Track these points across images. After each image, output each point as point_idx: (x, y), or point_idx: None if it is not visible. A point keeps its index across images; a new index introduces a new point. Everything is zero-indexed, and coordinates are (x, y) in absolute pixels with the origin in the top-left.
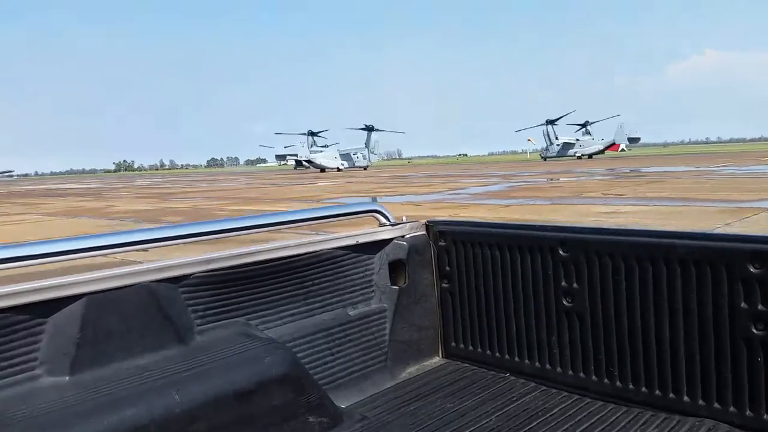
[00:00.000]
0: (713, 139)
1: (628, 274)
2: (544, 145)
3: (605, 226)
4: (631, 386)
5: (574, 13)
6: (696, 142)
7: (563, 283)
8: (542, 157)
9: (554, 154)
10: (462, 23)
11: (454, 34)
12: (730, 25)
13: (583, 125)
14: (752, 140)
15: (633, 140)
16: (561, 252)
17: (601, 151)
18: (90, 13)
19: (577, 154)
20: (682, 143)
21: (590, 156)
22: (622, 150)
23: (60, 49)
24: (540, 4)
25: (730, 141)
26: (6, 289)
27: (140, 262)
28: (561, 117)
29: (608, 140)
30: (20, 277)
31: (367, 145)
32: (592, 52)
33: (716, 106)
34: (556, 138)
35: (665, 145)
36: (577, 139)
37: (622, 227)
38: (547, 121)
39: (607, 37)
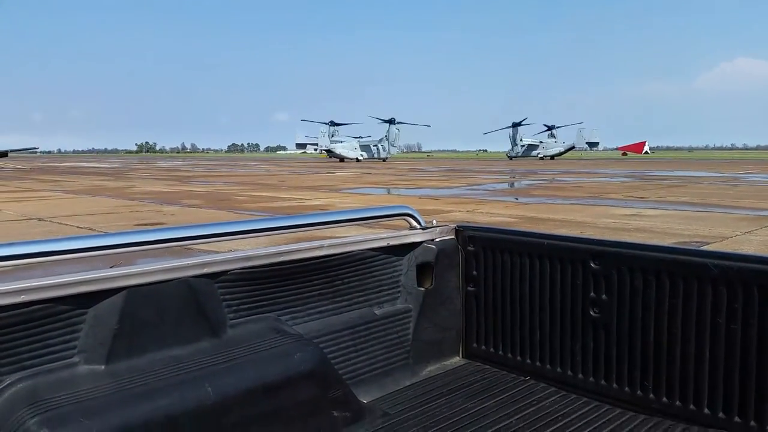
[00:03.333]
0: (739, 145)
1: (659, 289)
2: (510, 146)
3: (638, 241)
4: (651, 395)
5: (605, 15)
6: (721, 148)
7: (592, 294)
8: (508, 157)
9: (519, 154)
10: (491, 18)
11: (479, 28)
12: (763, 33)
13: (550, 128)
14: None
15: (592, 144)
16: (592, 264)
17: (561, 153)
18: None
19: (539, 155)
20: (707, 148)
21: (552, 157)
22: (646, 152)
23: (87, 29)
24: (574, 7)
25: (757, 148)
26: (52, 281)
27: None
28: (524, 120)
29: (569, 144)
30: (60, 264)
31: (387, 137)
32: (621, 56)
33: (743, 114)
34: (521, 139)
35: (690, 149)
36: (541, 141)
37: (657, 244)
38: (513, 124)
39: (636, 41)
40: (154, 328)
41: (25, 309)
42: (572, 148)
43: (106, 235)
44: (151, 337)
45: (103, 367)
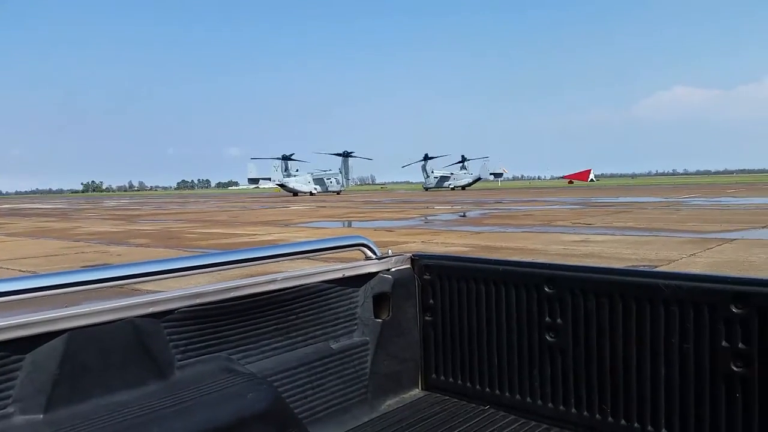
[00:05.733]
0: (680, 171)
1: (612, 312)
2: (422, 179)
3: (592, 264)
4: (610, 419)
5: (546, 42)
6: (663, 174)
7: (547, 319)
8: (424, 188)
9: (433, 185)
10: (440, 49)
11: (429, 54)
12: (697, 63)
13: (461, 161)
14: (717, 172)
15: (497, 175)
16: (546, 289)
17: (470, 184)
18: (62, 32)
19: (451, 186)
20: (649, 174)
21: (463, 188)
22: (591, 180)
23: (24, 61)
24: (525, 35)
25: (696, 173)
26: None
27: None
28: (437, 157)
29: (476, 175)
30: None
31: (341, 170)
32: (562, 84)
33: (683, 140)
34: (432, 171)
35: (633, 176)
36: (452, 173)
37: (609, 266)
38: (425, 157)
39: (577, 69)
40: (97, 373)
41: None
42: (479, 179)
43: (46, 275)
44: (94, 381)
45: (41, 416)
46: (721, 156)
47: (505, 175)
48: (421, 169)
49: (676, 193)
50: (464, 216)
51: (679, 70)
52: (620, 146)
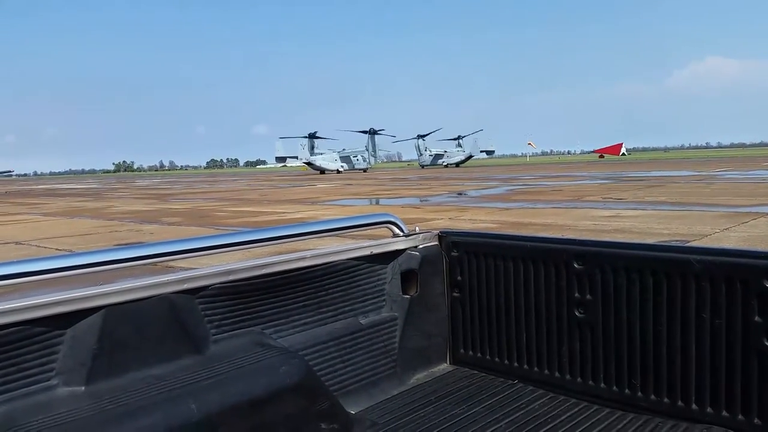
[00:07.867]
0: (713, 144)
1: (643, 287)
2: (416, 156)
3: (621, 240)
4: (639, 394)
5: (575, 18)
6: (696, 147)
7: (576, 295)
8: (421, 166)
9: (428, 163)
10: (464, 21)
11: (457, 35)
12: (731, 33)
13: (456, 138)
14: (752, 145)
15: (488, 152)
16: (575, 265)
17: (463, 161)
18: (91, 13)
19: (444, 163)
20: (682, 148)
21: (457, 164)
22: (623, 154)
23: (60, 48)
24: (546, 10)
25: (731, 146)
26: (27, 302)
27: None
28: (430, 133)
29: (468, 152)
30: (38, 285)
31: (368, 147)
32: (593, 58)
33: (716, 112)
34: (426, 149)
35: (666, 149)
36: (445, 151)
37: (639, 242)
38: (418, 136)
39: (607, 42)
40: (134, 347)
41: (0, 332)
42: (471, 156)
43: (83, 253)
44: (131, 355)
45: (83, 388)
46: (757, 128)
47: (533, 150)
48: (414, 148)
49: (709, 167)
50: (492, 192)
51: (713, 40)
52: (653, 119)
